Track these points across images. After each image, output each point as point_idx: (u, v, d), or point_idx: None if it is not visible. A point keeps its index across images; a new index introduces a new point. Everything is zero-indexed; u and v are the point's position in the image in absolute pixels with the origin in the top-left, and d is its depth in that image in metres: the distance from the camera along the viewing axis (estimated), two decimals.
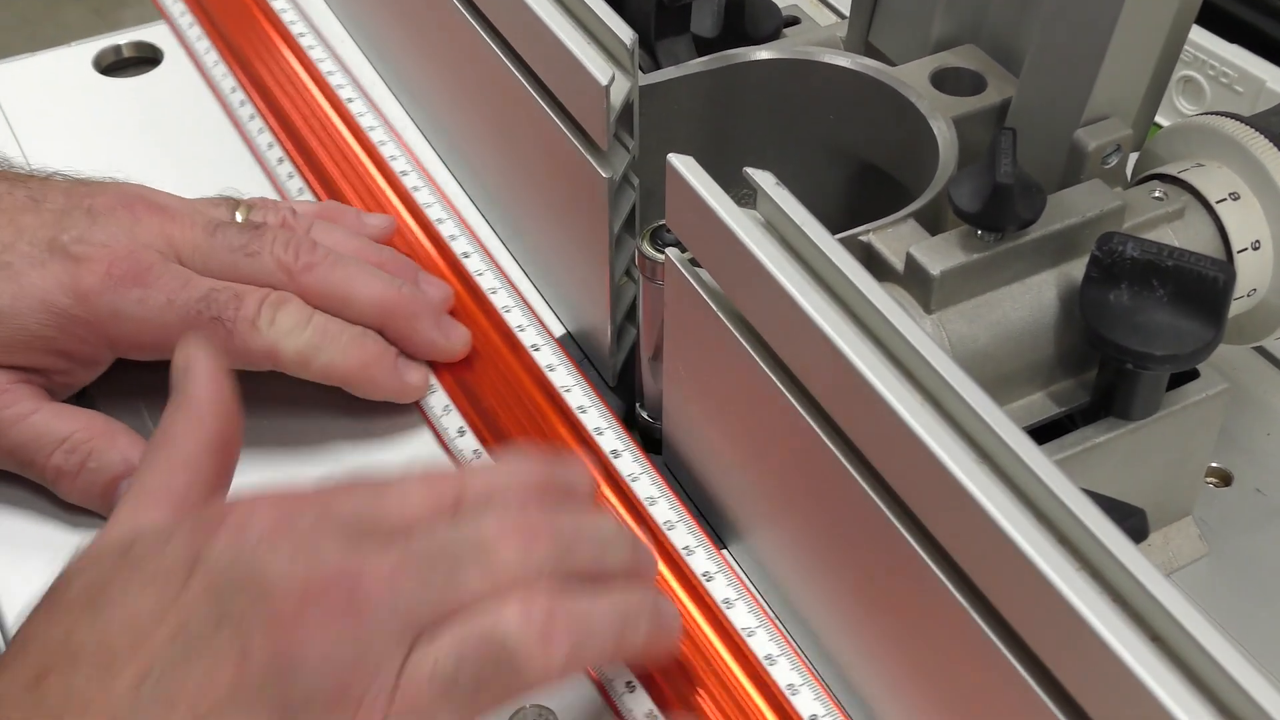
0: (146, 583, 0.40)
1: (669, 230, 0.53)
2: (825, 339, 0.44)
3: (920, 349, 0.43)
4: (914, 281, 0.50)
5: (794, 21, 0.66)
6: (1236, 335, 0.56)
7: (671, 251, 0.52)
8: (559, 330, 0.64)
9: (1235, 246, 0.53)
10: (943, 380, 0.42)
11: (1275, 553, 0.56)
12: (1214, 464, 0.58)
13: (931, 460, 0.41)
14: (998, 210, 0.48)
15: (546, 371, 0.59)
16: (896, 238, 0.51)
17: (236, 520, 0.41)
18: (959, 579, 0.42)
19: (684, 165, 0.49)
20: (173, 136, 0.72)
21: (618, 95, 0.53)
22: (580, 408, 0.58)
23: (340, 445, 0.58)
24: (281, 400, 0.58)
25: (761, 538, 0.53)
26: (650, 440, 0.60)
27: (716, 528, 0.56)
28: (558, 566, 0.43)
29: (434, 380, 0.59)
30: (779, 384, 0.47)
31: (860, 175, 0.61)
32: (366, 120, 0.71)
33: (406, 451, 0.58)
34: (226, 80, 0.74)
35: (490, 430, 0.58)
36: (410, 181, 0.68)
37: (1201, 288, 0.48)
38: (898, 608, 0.45)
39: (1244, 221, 0.53)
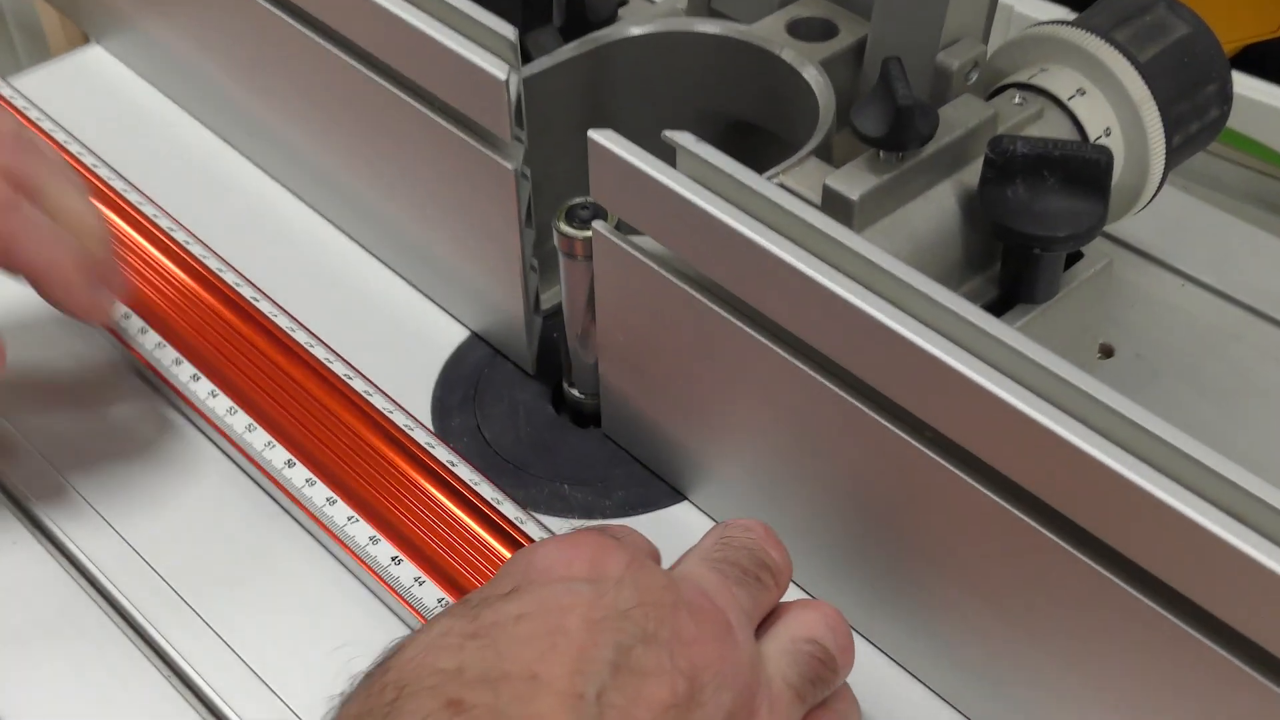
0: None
1: (584, 208, 0.56)
2: (791, 270, 0.47)
3: (876, 259, 0.47)
4: (834, 210, 0.53)
5: (624, 2, 0.69)
6: None
7: (598, 224, 0.54)
8: (462, 334, 0.65)
9: (1091, 135, 0.58)
10: (908, 285, 0.46)
11: (1166, 411, 0.61)
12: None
13: (914, 351, 0.45)
14: (901, 131, 0.52)
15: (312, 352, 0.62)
16: (805, 175, 0.55)
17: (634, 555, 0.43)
18: (964, 462, 0.46)
19: (607, 139, 0.52)
20: None
21: (513, 89, 0.56)
22: (358, 386, 0.60)
23: None
24: None
25: (734, 477, 0.56)
26: (580, 416, 0.62)
27: (674, 483, 0.59)
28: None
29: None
30: (741, 325, 0.50)
31: (730, 132, 0.64)
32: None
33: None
34: None
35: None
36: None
37: (1087, 170, 0.53)
38: (897, 509, 0.49)
39: (1093, 112, 0.58)
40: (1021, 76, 0.59)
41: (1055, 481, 0.43)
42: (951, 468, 0.46)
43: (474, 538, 0.55)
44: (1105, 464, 0.41)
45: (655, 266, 0.53)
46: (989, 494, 0.45)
